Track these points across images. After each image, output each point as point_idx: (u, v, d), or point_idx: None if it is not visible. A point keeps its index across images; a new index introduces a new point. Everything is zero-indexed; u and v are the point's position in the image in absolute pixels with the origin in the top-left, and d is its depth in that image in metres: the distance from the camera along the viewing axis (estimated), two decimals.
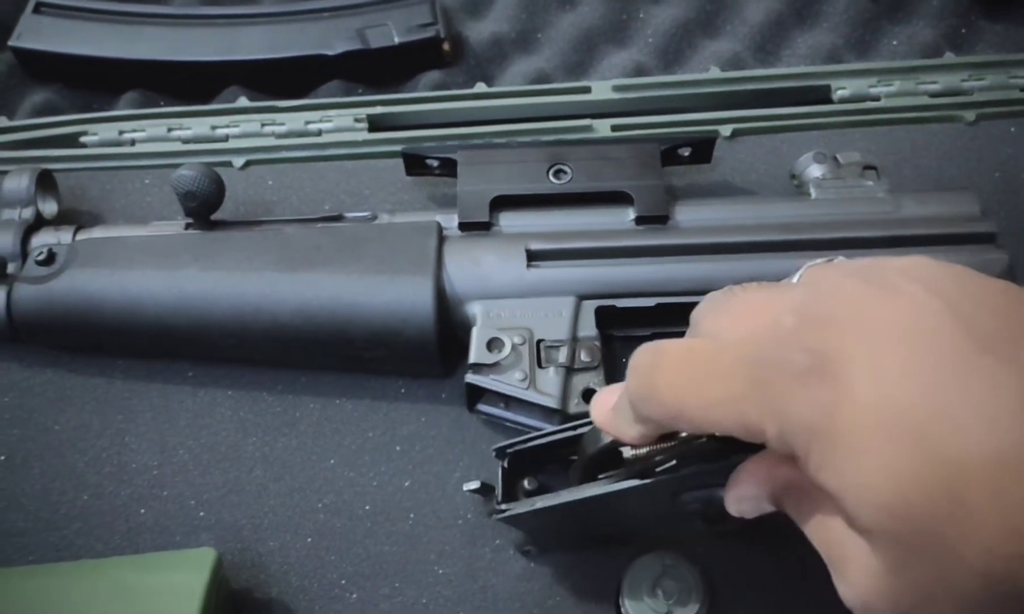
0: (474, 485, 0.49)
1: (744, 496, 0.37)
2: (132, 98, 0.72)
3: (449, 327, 0.55)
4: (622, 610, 0.50)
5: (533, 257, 0.56)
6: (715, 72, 0.72)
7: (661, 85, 0.71)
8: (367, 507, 0.54)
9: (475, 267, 0.55)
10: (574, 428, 0.47)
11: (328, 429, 0.57)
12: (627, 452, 0.41)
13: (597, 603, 0.51)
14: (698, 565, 0.51)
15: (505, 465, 0.50)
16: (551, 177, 0.59)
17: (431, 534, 0.53)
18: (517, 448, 0.49)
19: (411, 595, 0.51)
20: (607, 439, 0.41)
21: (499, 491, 0.49)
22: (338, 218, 0.59)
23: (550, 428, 0.49)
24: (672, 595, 0.50)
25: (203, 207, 0.56)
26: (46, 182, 0.60)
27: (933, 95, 0.70)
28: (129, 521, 0.54)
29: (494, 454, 0.49)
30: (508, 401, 0.55)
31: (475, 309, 0.55)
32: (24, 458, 0.56)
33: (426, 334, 0.54)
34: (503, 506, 0.47)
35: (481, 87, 0.71)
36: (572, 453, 0.47)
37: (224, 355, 0.57)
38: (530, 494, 0.49)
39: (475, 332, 0.54)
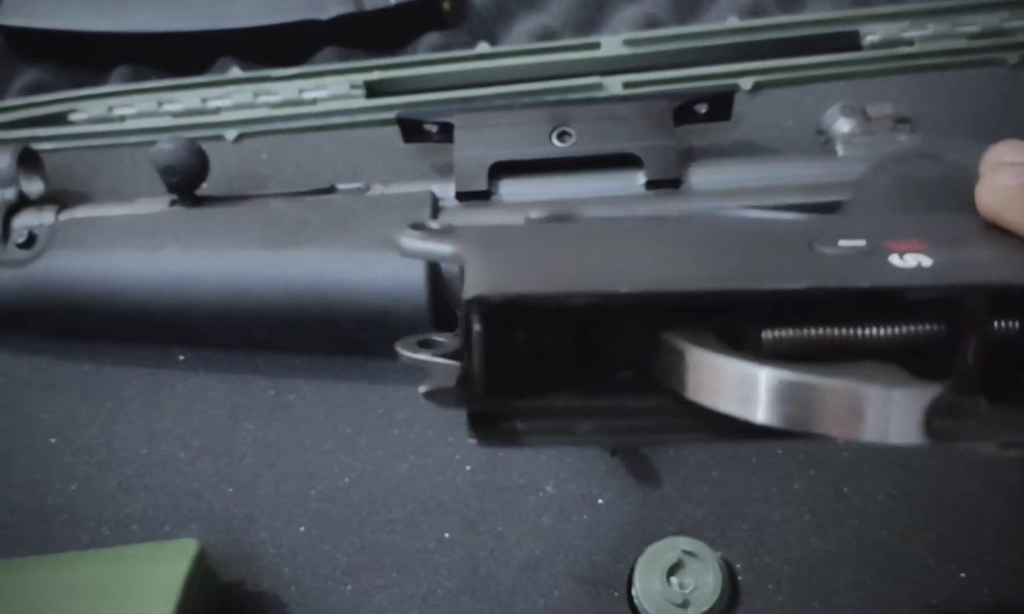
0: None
1: None
2: (123, 73, 0.71)
3: (445, 305, 0.52)
4: (635, 601, 0.47)
5: None
6: (734, 21, 0.68)
7: (676, 38, 0.68)
8: (363, 494, 0.52)
9: None
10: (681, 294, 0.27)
11: (323, 413, 0.55)
12: None
13: (608, 593, 0.48)
14: (718, 551, 0.48)
15: (478, 328, 0.28)
16: (554, 140, 0.56)
17: (430, 521, 0.51)
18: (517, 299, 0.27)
19: (409, 587, 0.49)
20: None
21: (477, 377, 0.28)
22: (329, 190, 0.56)
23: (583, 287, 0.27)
24: (689, 585, 0.47)
25: (185, 182, 0.54)
26: (29, 161, 0.58)
27: (972, 37, 0.66)
28: (117, 512, 0.52)
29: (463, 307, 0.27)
30: None
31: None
32: (11, 449, 0.54)
33: (420, 313, 0.51)
34: (497, 412, 0.28)
35: (484, 47, 0.68)
36: None
37: (213, 339, 0.55)
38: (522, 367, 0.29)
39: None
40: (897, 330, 0.27)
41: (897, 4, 0.70)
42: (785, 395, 0.25)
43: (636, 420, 0.29)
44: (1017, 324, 0.28)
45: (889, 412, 0.24)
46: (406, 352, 0.28)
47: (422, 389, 0.27)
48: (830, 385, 0.25)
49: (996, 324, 0.28)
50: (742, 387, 0.26)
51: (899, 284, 0.27)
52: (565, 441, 0.28)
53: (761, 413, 0.25)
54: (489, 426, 0.28)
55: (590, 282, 0.27)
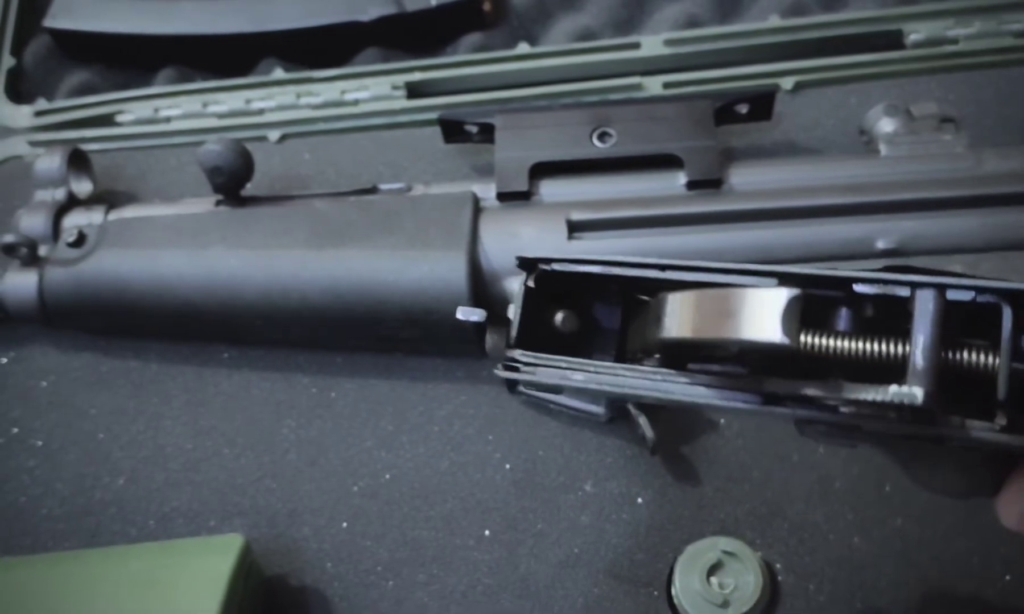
0: (476, 315, 0.38)
1: None
2: (168, 75, 0.71)
3: (486, 305, 0.52)
4: (674, 600, 0.47)
5: (575, 228, 0.53)
6: (775, 21, 0.67)
7: (717, 37, 0.67)
8: (404, 490, 0.52)
9: (513, 240, 0.53)
10: (660, 268, 0.34)
11: (364, 410, 0.55)
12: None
13: (647, 592, 0.48)
14: (759, 551, 0.48)
15: (530, 284, 0.37)
16: (595, 141, 0.56)
17: (470, 518, 0.51)
18: (551, 268, 0.36)
19: (449, 582, 0.50)
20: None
21: (514, 327, 0.37)
22: (372, 191, 0.56)
23: (613, 256, 0.36)
24: (729, 585, 0.47)
25: (231, 182, 0.55)
26: (79, 161, 0.60)
27: (1018, 35, 0.65)
28: (163, 506, 0.53)
29: (516, 262, 0.37)
30: None
31: (513, 286, 0.52)
32: (60, 443, 0.55)
33: None
34: (518, 358, 0.36)
35: (524, 47, 0.68)
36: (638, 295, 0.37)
37: (256, 337, 0.56)
38: (563, 339, 0.38)
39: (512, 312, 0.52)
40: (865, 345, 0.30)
41: (941, 2, 0.68)
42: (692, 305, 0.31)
43: (616, 377, 0.34)
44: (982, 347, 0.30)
45: (754, 308, 0.28)
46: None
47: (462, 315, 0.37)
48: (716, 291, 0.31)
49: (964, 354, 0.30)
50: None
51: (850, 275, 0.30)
52: (565, 384, 0.35)
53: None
54: (514, 370, 0.36)
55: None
